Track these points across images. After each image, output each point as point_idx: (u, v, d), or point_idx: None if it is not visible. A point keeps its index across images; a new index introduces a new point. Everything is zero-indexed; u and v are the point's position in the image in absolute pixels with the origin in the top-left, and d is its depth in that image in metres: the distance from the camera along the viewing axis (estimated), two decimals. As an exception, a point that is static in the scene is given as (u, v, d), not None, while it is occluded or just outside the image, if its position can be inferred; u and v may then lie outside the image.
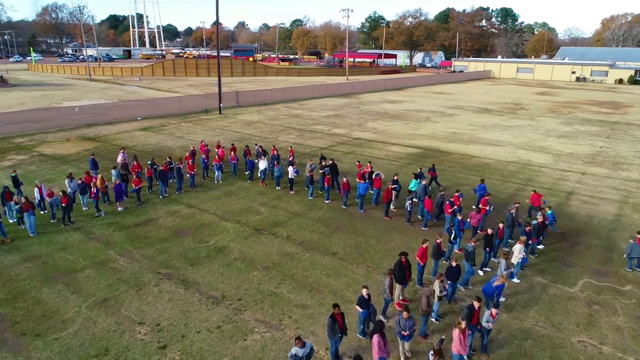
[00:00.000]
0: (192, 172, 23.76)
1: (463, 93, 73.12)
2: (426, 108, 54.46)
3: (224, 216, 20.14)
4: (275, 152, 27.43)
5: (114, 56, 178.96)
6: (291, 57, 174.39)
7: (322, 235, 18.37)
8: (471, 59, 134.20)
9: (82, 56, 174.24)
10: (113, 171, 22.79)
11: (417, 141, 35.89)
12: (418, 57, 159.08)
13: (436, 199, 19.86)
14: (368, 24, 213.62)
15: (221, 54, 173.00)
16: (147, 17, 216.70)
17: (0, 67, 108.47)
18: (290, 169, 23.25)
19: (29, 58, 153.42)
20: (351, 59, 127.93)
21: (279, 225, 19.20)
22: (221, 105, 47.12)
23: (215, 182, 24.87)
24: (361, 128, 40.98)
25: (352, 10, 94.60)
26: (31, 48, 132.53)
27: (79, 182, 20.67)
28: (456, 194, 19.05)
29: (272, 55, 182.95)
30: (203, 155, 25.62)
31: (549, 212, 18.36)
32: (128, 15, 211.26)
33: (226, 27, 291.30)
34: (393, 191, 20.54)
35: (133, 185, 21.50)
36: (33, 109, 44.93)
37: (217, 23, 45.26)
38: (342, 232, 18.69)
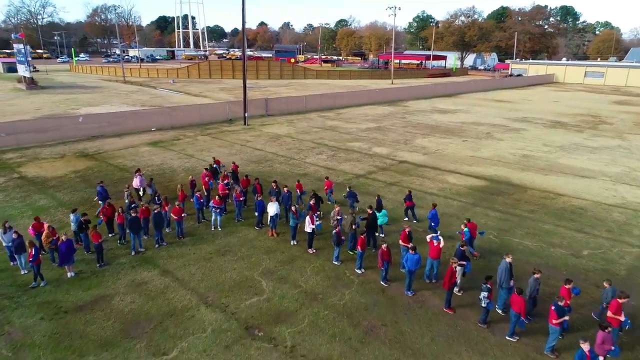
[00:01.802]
0: (180, 219, 17.67)
1: (526, 101, 63.99)
2: (485, 120, 46.41)
3: (206, 295, 13.88)
4: (299, 187, 21.13)
5: (158, 57, 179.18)
6: (334, 58, 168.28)
7: (347, 345, 11.71)
8: (531, 61, 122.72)
9: (126, 57, 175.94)
10: (72, 216, 17.03)
11: (480, 168, 28.42)
12: (469, 59, 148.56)
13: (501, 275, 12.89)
14: (415, 24, 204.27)
15: (263, 54, 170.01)
16: (192, 18, 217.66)
17: (42, 68, 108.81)
18: (307, 220, 16.64)
19: (76, 59, 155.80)
20: (397, 61, 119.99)
21: (283, 320, 12.69)
22: (246, 114, 41.30)
23: (212, 228, 18.73)
24: (408, 146, 33.85)
25: (399, 9, 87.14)
26: (73, 49, 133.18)
27: (15, 235, 15.03)
28: (567, 286, 11.97)
29: (314, 57, 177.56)
30: (197, 194, 19.36)
31: None
32: (176, 17, 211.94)
33: (271, 27, 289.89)
34: (457, 267, 13.61)
35: (92, 239, 15.68)
36: (31, 119, 40.83)
37: (243, 24, 39.50)
38: (378, 339, 11.95)
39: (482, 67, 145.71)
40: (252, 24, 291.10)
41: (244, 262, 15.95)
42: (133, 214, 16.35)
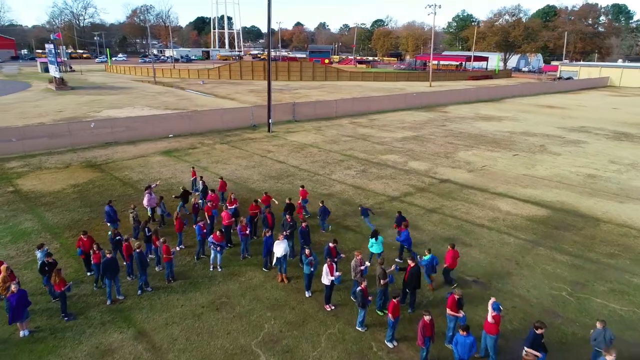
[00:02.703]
0: (170, 258, 14.37)
1: (580, 107, 57.94)
2: (537, 129, 41.36)
3: (185, 376, 10.49)
4: (303, 194, 17.66)
5: (193, 57, 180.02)
6: (369, 59, 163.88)
7: None
8: (582, 63, 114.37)
9: (162, 57, 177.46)
10: (38, 253, 14.04)
11: (537, 191, 23.94)
12: (512, 61, 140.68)
13: None
14: (455, 24, 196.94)
15: (297, 55, 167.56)
16: (229, 18, 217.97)
17: (78, 68, 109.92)
18: (325, 270, 12.98)
19: (113, 59, 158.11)
20: (435, 62, 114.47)
21: None
22: (271, 121, 38.03)
23: (211, 267, 15.38)
24: (450, 161, 29.63)
25: (439, 7, 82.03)
26: (108, 49, 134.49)
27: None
28: None
29: (349, 57, 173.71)
30: (200, 224, 16.03)
31: None
32: (212, 17, 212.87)
33: (307, 28, 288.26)
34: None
35: (54, 287, 12.61)
36: (47, 124, 38.97)
37: (268, 24, 36.24)
38: None
39: (526, 69, 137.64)
40: (288, 25, 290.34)
41: (241, 323, 12.47)
42: (108, 255, 13.16)
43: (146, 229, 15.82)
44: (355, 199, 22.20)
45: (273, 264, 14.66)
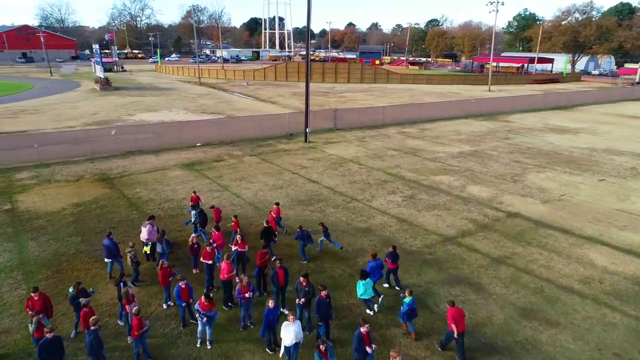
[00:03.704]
0: (141, 334, 10.58)
1: (671, 118, 49.77)
2: (623, 146, 34.79)
3: None
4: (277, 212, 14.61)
5: (243, 58, 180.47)
6: (422, 60, 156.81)
7: None
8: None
9: (213, 57, 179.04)
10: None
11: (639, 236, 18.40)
12: (581, 62, 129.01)
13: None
14: (516, 23, 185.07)
15: (348, 55, 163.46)
16: (281, 19, 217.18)
17: (130, 68, 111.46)
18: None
19: (166, 59, 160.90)
20: (494, 64, 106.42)
21: None
22: (308, 130, 34.04)
23: (198, 342, 11.50)
24: (518, 186, 24.35)
25: (502, 3, 74.88)
26: (159, 50, 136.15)
27: None
28: None
29: (400, 58, 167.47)
30: (181, 284, 12.08)
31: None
32: (263, 18, 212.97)
33: (359, 28, 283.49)
34: None
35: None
36: (72, 129, 36.99)
37: (308, 23, 32.21)
38: None
39: (596, 72, 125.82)
40: (340, 25, 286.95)
41: None
42: (48, 334, 9.54)
43: (121, 284, 12.21)
44: (400, 238, 17.70)
45: (281, 354, 10.55)
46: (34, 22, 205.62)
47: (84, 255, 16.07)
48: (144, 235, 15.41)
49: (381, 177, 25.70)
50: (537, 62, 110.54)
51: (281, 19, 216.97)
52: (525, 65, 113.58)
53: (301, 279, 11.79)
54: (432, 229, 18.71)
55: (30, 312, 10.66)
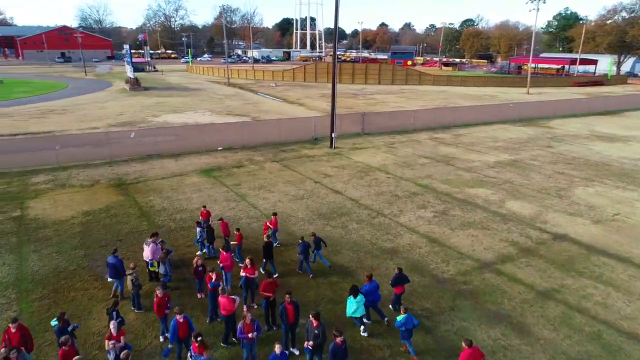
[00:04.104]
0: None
1: None
2: (681, 157, 31.49)
3: None
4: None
5: (274, 58, 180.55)
6: (456, 60, 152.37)
7: None
8: None
9: (245, 58, 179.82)
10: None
11: None
12: (626, 64, 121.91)
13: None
14: (556, 23, 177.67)
15: (379, 56, 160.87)
16: (312, 19, 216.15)
17: (161, 68, 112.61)
18: None
19: (198, 59, 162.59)
20: (532, 65, 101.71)
21: None
22: (334, 135, 32.31)
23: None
24: (565, 203, 21.89)
25: (544, 2, 71.01)
26: (189, 50, 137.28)
27: None
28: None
29: (433, 59, 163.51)
30: (178, 317, 10.60)
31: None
32: (295, 19, 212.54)
33: (391, 28, 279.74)
34: None
35: None
36: (95, 131, 36.47)
37: (335, 22, 30.39)
38: None
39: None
40: (372, 25, 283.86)
41: None
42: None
43: (114, 314, 10.85)
44: (430, 263, 15.77)
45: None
46: (73, 23, 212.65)
47: (84, 272, 14.90)
48: (146, 254, 14.10)
49: (410, 188, 23.72)
50: (579, 64, 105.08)
51: (313, 19, 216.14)
52: (566, 66, 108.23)
53: (312, 318, 10.10)
54: (467, 252, 16.66)
55: (2, 350, 9.38)
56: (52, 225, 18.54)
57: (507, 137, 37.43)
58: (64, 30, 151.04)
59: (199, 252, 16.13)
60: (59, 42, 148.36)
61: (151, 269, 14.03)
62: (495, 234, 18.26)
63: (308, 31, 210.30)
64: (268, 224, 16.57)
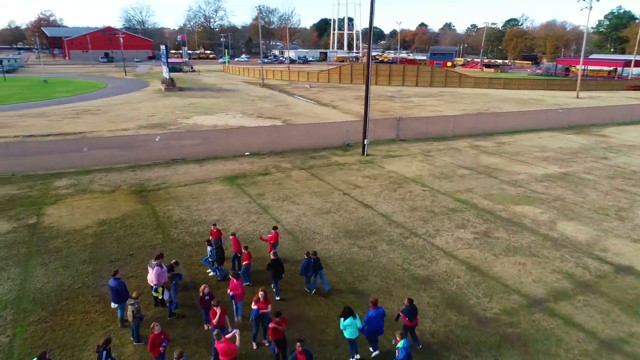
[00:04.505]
0: None
1: None
2: None
3: None
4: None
5: (311, 58, 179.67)
6: (498, 62, 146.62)
7: None
8: None
9: (281, 58, 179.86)
10: None
11: None
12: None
13: None
14: (608, 22, 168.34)
15: (417, 57, 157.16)
16: (350, 19, 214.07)
17: (199, 68, 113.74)
18: None
19: (236, 59, 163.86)
20: (582, 67, 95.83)
21: None
22: (366, 142, 30.45)
23: None
24: (626, 226, 19.22)
25: (598, 0, 66.30)
26: (226, 50, 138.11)
27: None
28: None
29: (475, 60, 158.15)
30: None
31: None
32: (333, 19, 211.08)
33: (431, 28, 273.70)
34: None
35: None
36: (122, 131, 36.02)
37: (370, 21, 28.49)
38: None
39: None
40: (411, 25, 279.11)
41: None
42: None
43: (104, 353, 9.53)
44: (470, 297, 13.75)
45: None
46: (118, 24, 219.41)
47: (88, 291, 13.80)
48: (151, 278, 12.78)
49: (448, 203, 21.60)
50: (634, 65, 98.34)
51: (350, 20, 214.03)
52: (619, 68, 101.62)
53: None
54: (514, 284, 14.51)
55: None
56: (64, 235, 17.67)
57: (556, 146, 34.41)
58: (107, 31, 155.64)
59: (210, 272, 14.82)
60: (103, 42, 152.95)
61: (155, 294, 12.72)
62: (546, 262, 15.97)
63: (345, 31, 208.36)
64: (266, 238, 15.41)
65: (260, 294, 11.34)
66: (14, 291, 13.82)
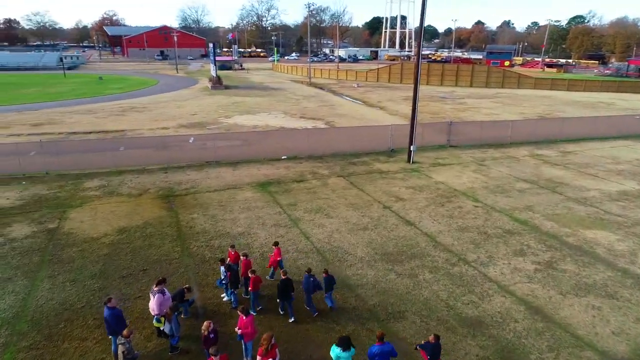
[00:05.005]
0: None
1: None
2: None
3: None
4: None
5: (361, 57, 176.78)
6: (561, 61, 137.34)
7: None
8: None
9: (331, 57, 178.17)
10: None
11: None
12: None
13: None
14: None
15: (473, 56, 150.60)
16: (403, 18, 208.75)
17: (248, 66, 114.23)
18: None
19: (285, 57, 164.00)
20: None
21: None
22: (413, 148, 27.89)
23: None
24: None
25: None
26: (275, 48, 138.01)
27: None
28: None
29: (535, 59, 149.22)
30: None
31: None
32: (385, 17, 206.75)
33: (488, 26, 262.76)
34: None
35: None
36: (162, 130, 35.39)
37: (421, 19, 25.85)
38: None
39: None
40: (467, 23, 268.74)
41: None
42: None
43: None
44: (530, 349, 11.20)
45: None
46: (175, 23, 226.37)
47: (89, 313, 12.48)
48: (152, 306, 11.19)
49: (504, 223, 18.81)
50: None
51: (403, 18, 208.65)
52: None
53: None
54: (587, 335, 11.76)
55: None
56: (81, 243, 16.62)
57: (633, 157, 30.24)
58: (163, 30, 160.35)
59: (224, 297, 13.14)
60: (159, 40, 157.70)
61: (156, 324, 11.13)
62: (628, 307, 13.02)
63: (398, 29, 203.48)
64: (270, 262, 14.13)
65: (265, 345, 9.39)
66: (14, 307, 12.74)
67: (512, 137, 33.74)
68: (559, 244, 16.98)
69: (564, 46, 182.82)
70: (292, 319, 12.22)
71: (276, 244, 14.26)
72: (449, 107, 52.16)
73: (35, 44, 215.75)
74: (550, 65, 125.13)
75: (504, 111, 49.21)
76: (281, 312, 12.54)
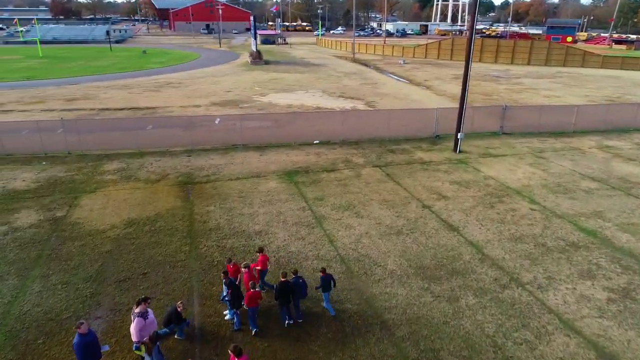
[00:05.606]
0: None
1: None
2: None
3: None
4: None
5: (410, 31, 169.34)
6: (632, 37, 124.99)
7: None
8: None
9: (379, 31, 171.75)
10: None
11: None
12: None
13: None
14: None
15: (530, 31, 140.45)
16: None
17: (292, 41, 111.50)
18: None
19: (332, 32, 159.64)
20: None
21: None
22: (460, 135, 24.76)
23: None
24: None
25: None
26: (319, 22, 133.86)
27: None
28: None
29: (601, 35, 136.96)
30: None
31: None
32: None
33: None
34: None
35: None
36: (193, 108, 33.81)
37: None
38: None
39: None
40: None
41: None
42: None
43: None
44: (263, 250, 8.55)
45: None
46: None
47: (73, 326, 10.92)
48: (133, 330, 9.41)
49: (567, 233, 15.78)
50: None
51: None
52: None
53: None
54: (682, 404, 8.97)
55: None
56: (84, 237, 15.23)
57: None
58: (209, 2, 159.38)
59: (227, 316, 11.26)
60: (205, 14, 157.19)
61: (137, 353, 9.38)
62: None
63: (450, 2, 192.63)
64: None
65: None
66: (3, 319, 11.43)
67: (576, 124, 29.69)
68: (639, 265, 13.87)
69: (635, 20, 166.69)
70: (291, 322, 11.01)
71: (261, 250, 12.22)
72: (503, 87, 47.67)
73: (88, 17, 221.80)
74: (619, 42, 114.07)
75: (565, 93, 44.31)
76: (288, 322, 10.77)
